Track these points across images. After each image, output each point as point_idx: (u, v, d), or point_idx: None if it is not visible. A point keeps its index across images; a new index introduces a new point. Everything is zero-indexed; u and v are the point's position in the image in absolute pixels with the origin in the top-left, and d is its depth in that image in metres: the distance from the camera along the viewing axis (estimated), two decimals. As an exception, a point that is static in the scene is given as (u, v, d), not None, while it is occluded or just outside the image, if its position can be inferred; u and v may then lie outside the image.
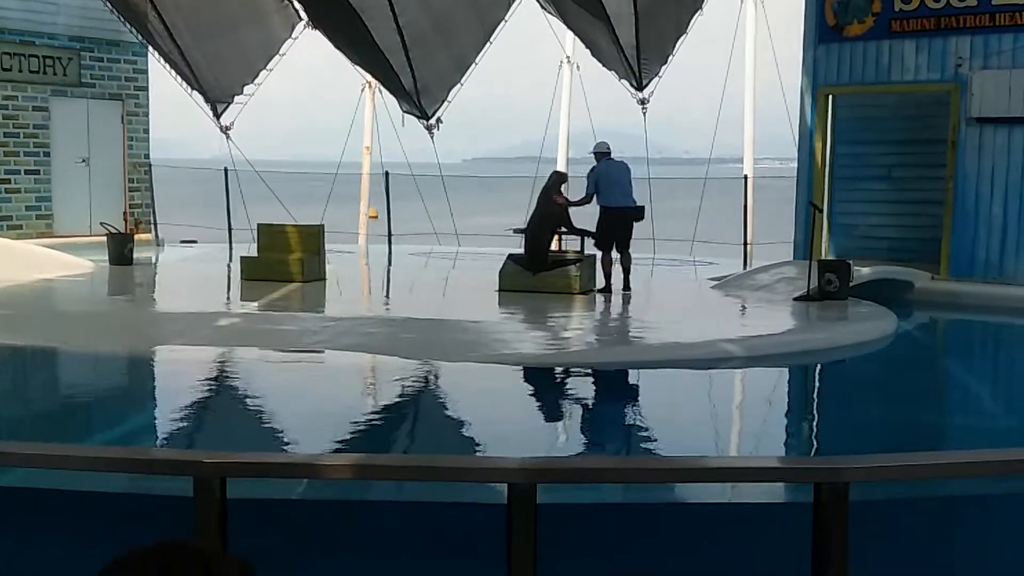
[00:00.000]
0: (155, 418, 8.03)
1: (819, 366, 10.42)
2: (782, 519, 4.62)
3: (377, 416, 8.03)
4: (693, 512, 5.06)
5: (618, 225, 13.13)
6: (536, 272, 13.13)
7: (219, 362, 9.66)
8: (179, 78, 18.00)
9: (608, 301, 12.83)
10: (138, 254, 16.34)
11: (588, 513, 4.82)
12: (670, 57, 18.18)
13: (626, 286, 13.14)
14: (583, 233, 13.55)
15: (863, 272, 13.26)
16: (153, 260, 17.49)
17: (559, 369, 9.37)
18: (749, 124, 20.72)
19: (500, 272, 13.36)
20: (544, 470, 3.56)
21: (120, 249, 15.83)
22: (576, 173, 19.02)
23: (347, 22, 16.69)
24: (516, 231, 14.81)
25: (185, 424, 7.52)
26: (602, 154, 13.28)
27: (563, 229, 13.74)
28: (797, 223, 15.23)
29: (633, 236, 13.40)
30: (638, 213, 13.30)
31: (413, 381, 8.87)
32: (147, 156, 19.73)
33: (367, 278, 16.91)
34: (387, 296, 14.80)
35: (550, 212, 13.39)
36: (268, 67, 18.46)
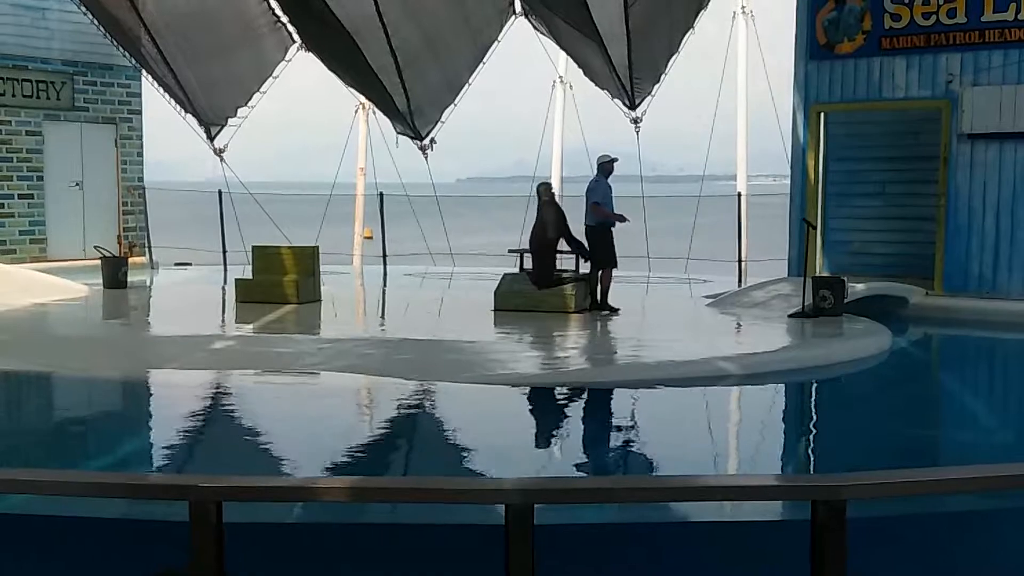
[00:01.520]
0: (150, 443, 8.00)
1: (815, 383, 10.41)
2: (780, 537, 4.61)
3: (373, 438, 8.01)
4: (691, 531, 5.05)
5: (588, 242, 13.32)
6: (541, 288, 13.17)
7: (214, 385, 9.64)
8: (172, 101, 18.03)
9: (595, 318, 12.86)
10: (132, 277, 16.33)
11: (585, 533, 4.80)
12: (662, 76, 18.25)
13: (599, 305, 13.14)
14: (579, 248, 13.51)
15: (857, 288, 13.29)
16: (147, 283, 17.47)
17: (555, 389, 9.35)
18: (742, 141, 20.80)
19: (496, 292, 13.37)
20: (541, 490, 3.55)
21: (114, 272, 15.81)
22: (570, 192, 19.03)
23: (340, 44, 16.74)
24: (512, 251, 14.82)
25: (180, 448, 7.50)
26: (600, 165, 13.32)
27: (562, 250, 13.76)
28: (791, 240, 15.26)
29: (616, 254, 13.35)
30: (591, 231, 13.18)
31: (409, 402, 8.85)
32: (141, 179, 19.74)
33: (362, 299, 16.90)
34: (383, 317, 14.79)
35: (545, 227, 13.41)
36: (261, 89, 18.48)
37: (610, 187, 13.27)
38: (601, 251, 13.20)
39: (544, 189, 13.89)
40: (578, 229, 13.50)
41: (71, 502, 4.45)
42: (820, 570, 3.16)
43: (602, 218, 13.09)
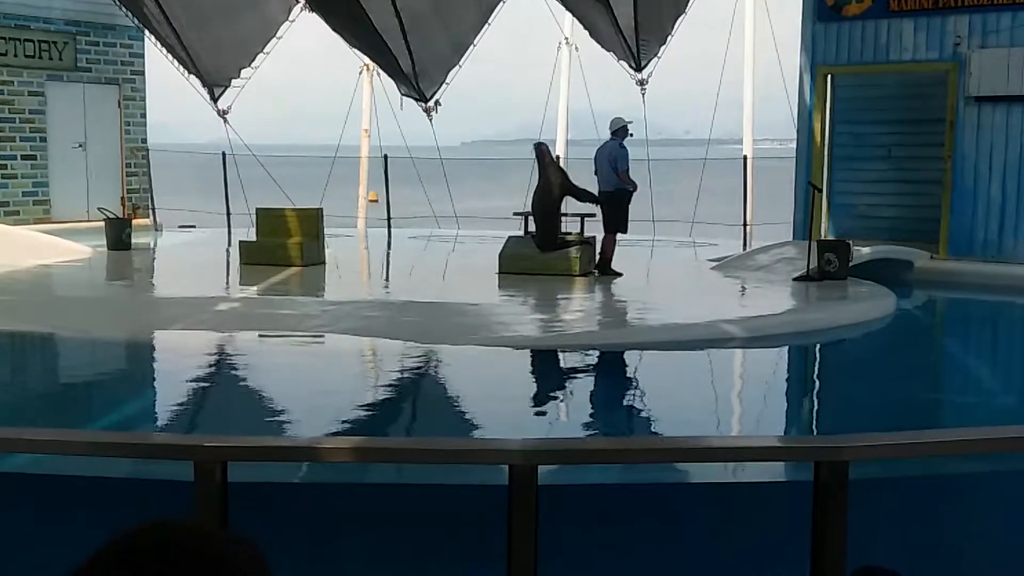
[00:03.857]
0: (155, 403, 8.03)
1: (819, 346, 10.42)
2: (782, 498, 4.62)
3: (377, 399, 8.03)
4: (694, 492, 5.07)
5: (601, 206, 13.22)
6: (545, 250, 13.12)
7: (219, 347, 9.66)
8: (176, 62, 17.92)
9: (599, 281, 12.84)
10: (136, 239, 16.32)
11: (589, 494, 4.82)
12: (669, 38, 18.13)
13: (602, 269, 13.10)
14: (590, 197, 13.39)
15: (862, 252, 13.26)
16: (151, 245, 17.47)
17: (560, 351, 9.36)
18: (748, 104, 20.68)
19: (500, 254, 13.35)
20: (545, 451, 3.55)
21: (118, 234, 15.80)
22: (576, 155, 18.95)
23: (345, 4, 16.62)
24: (516, 214, 14.77)
25: (185, 409, 7.52)
26: (613, 132, 13.21)
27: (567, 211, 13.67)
28: (796, 203, 15.20)
29: (628, 219, 13.31)
30: (608, 197, 13.04)
31: (413, 364, 8.87)
32: (144, 141, 19.67)
33: (366, 262, 16.90)
34: (387, 280, 14.79)
35: (550, 189, 13.33)
36: (265, 50, 18.38)
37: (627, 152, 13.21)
38: (616, 215, 13.12)
39: (545, 150, 13.80)
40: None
41: (75, 462, 4.46)
42: (822, 531, 3.17)
43: (625, 185, 13.03)
